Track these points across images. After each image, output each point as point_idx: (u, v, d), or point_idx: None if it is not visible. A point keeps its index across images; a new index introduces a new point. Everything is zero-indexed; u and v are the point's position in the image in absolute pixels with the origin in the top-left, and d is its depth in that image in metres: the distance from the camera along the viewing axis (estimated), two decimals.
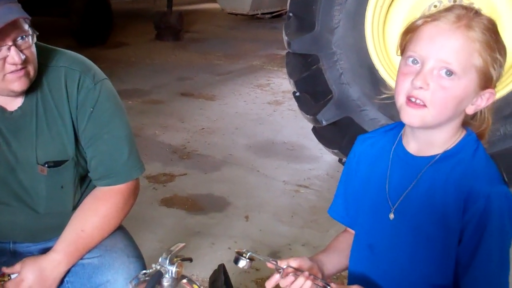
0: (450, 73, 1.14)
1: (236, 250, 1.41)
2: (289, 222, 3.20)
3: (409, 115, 1.19)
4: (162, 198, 3.41)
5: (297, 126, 4.62)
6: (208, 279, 2.65)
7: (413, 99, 1.17)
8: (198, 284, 1.51)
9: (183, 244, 1.51)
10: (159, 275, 1.42)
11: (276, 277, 1.32)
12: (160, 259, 1.44)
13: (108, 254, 1.59)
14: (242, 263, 1.40)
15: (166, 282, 1.44)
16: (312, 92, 3.42)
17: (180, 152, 4.14)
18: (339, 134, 3.40)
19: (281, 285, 1.35)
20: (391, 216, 1.29)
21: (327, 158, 4.03)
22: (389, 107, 3.22)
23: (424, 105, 1.16)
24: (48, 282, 1.55)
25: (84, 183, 1.71)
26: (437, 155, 1.23)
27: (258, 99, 5.45)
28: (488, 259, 1.18)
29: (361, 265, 1.39)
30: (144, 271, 1.46)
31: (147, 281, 1.42)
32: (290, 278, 1.31)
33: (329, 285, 1.27)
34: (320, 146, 3.80)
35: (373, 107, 3.23)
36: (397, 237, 1.29)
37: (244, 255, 1.41)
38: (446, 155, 1.22)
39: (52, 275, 1.56)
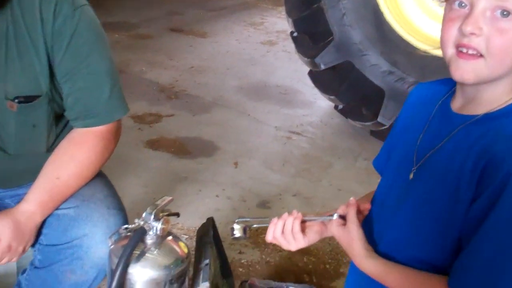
0: (507, 13, 0.95)
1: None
2: (280, 170, 3.05)
3: (461, 69, 0.99)
4: (147, 139, 3.22)
5: (291, 69, 4.41)
6: (194, 228, 2.51)
7: (464, 50, 0.98)
8: (184, 241, 1.36)
9: (170, 198, 1.35)
10: (142, 232, 1.26)
11: (271, 229, 1.25)
12: (144, 214, 1.29)
13: (85, 204, 1.42)
14: (237, 232, 1.27)
15: (149, 239, 1.29)
16: (311, 32, 3.20)
17: (167, 91, 3.93)
18: (337, 79, 3.21)
19: (275, 235, 1.26)
20: (411, 176, 1.12)
21: (322, 103, 3.85)
22: (392, 53, 3.03)
23: (480, 55, 0.97)
24: (25, 235, 1.39)
25: (60, 123, 1.53)
26: (477, 115, 1.04)
27: (251, 38, 5.20)
28: (488, 246, 0.94)
29: (369, 221, 1.23)
30: (126, 226, 1.32)
31: (129, 237, 1.26)
32: (279, 224, 1.24)
33: (332, 216, 1.22)
34: (315, 91, 3.62)
35: (375, 52, 3.02)
36: (406, 200, 1.13)
37: (237, 224, 1.28)
38: (487, 117, 1.02)
39: (27, 227, 1.39)
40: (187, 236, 2.32)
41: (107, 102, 1.45)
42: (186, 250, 1.33)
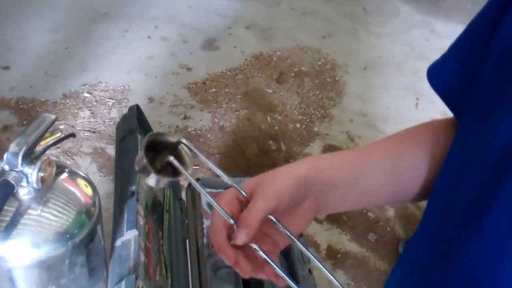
0: None
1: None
2: None
3: None
4: None
5: None
6: (121, 87, 1.95)
7: None
8: (87, 177, 0.83)
9: (54, 116, 0.79)
10: (6, 190, 0.73)
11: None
12: (5, 156, 0.73)
13: None
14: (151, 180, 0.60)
15: (25, 195, 0.76)
16: None
17: None
18: None
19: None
20: None
21: None
22: None
23: None
24: None
25: None
26: None
27: None
28: None
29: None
30: None
31: None
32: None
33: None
34: None
35: None
36: None
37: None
38: None
39: None
40: (114, 101, 1.77)
41: None
42: (90, 192, 0.82)
